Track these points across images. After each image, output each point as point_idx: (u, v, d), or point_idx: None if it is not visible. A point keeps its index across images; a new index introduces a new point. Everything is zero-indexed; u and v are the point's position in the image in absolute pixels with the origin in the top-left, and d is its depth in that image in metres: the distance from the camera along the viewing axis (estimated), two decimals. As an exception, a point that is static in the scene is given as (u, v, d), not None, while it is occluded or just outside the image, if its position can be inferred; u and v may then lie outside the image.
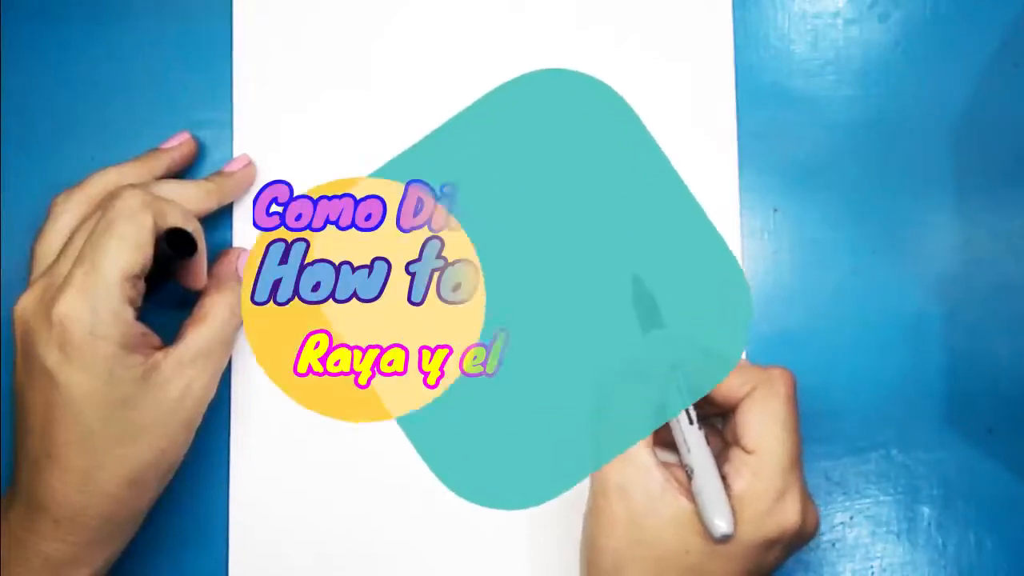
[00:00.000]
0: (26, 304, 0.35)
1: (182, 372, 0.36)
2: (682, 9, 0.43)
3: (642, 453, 0.34)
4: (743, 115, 0.43)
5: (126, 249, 0.35)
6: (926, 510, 0.42)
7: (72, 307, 0.34)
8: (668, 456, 0.36)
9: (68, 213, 0.38)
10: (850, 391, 0.42)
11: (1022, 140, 0.43)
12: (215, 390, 0.38)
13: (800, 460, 0.34)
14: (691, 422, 0.35)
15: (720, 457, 0.35)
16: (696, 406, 0.36)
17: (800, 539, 0.34)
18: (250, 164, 0.42)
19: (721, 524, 0.33)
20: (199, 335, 0.37)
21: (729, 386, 0.35)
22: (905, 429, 0.42)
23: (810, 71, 0.43)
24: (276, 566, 0.41)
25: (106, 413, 0.34)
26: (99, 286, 0.34)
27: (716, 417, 0.37)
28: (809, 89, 0.43)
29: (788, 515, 0.33)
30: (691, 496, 0.34)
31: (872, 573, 0.42)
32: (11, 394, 0.36)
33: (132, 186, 0.37)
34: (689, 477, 0.34)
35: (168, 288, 0.39)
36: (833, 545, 0.42)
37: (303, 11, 0.44)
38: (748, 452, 0.34)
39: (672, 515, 0.34)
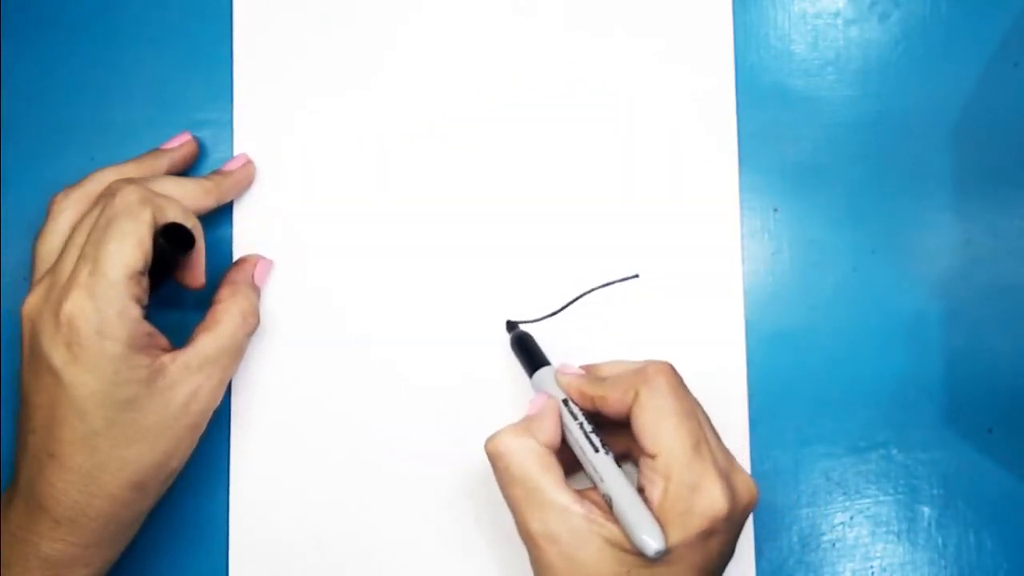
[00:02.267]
0: (33, 304, 0.35)
1: (189, 377, 0.36)
2: (682, 9, 0.43)
3: (555, 493, 0.34)
4: (743, 115, 0.43)
5: (128, 246, 0.35)
6: (926, 510, 0.42)
7: (79, 306, 0.34)
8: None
9: (67, 212, 0.38)
10: (850, 391, 0.42)
11: (1022, 140, 0.43)
12: (221, 397, 0.38)
13: (705, 442, 0.34)
14: (596, 450, 0.35)
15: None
16: (602, 429, 0.35)
17: (739, 514, 0.34)
18: (249, 163, 0.42)
19: (651, 542, 0.32)
20: (209, 341, 0.37)
21: (614, 400, 0.35)
22: (905, 429, 0.42)
23: (810, 71, 0.43)
24: (276, 566, 0.41)
25: (110, 414, 0.34)
26: (104, 285, 0.34)
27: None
28: (809, 89, 0.43)
29: (711, 502, 0.33)
30: (616, 519, 0.33)
31: (872, 573, 0.42)
32: (14, 394, 0.36)
33: (130, 181, 0.37)
34: (610, 504, 0.34)
35: (179, 290, 0.39)
36: (833, 545, 0.42)
37: (303, 11, 0.44)
38: (652, 457, 0.33)
39: (602, 544, 0.33)
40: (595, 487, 0.35)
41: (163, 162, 0.41)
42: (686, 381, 0.35)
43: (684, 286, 0.42)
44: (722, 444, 0.35)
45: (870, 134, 0.43)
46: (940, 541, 0.42)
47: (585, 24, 0.43)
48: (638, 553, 0.32)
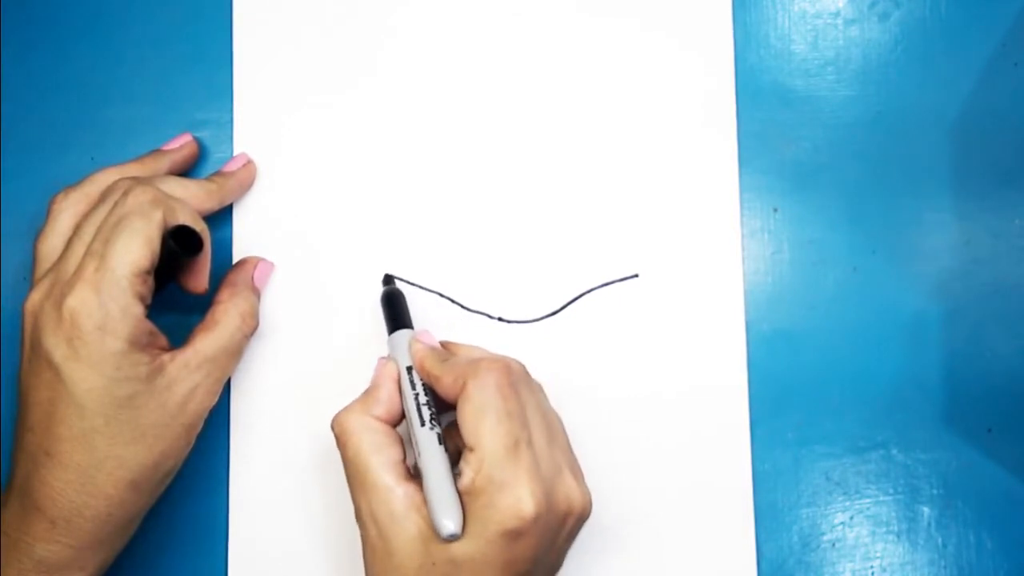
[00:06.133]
0: (35, 300, 0.35)
1: (188, 376, 0.36)
2: (682, 9, 0.43)
3: (382, 475, 0.34)
4: (743, 115, 0.43)
5: (136, 244, 0.35)
6: (926, 510, 0.42)
7: (82, 301, 0.34)
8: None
9: (67, 212, 0.38)
10: (850, 391, 0.42)
11: (1022, 140, 0.43)
12: (218, 397, 0.38)
13: (526, 445, 0.33)
14: (422, 424, 0.34)
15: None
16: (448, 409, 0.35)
17: (554, 520, 0.33)
18: (250, 163, 0.42)
19: (447, 523, 0.32)
20: (208, 341, 0.37)
21: (446, 384, 0.35)
22: (905, 429, 0.42)
23: (810, 71, 0.43)
24: (276, 566, 0.41)
25: (109, 411, 0.34)
26: (110, 281, 0.34)
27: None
28: (809, 89, 0.43)
29: (515, 502, 0.32)
30: None
31: (872, 573, 0.42)
32: (15, 394, 0.36)
33: (141, 181, 0.37)
34: (421, 480, 0.33)
35: (180, 291, 0.39)
36: (833, 545, 0.42)
37: (303, 11, 0.44)
38: (470, 450, 0.33)
39: (417, 530, 0.33)
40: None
41: (164, 163, 0.41)
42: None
43: (684, 286, 0.42)
44: (562, 454, 0.35)
45: (870, 134, 0.43)
46: (940, 541, 0.42)
47: (585, 24, 0.43)
48: (445, 544, 0.32)
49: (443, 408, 0.36)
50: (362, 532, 0.35)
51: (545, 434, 0.35)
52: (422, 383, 0.36)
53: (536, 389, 0.36)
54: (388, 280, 0.41)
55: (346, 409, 0.36)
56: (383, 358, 0.38)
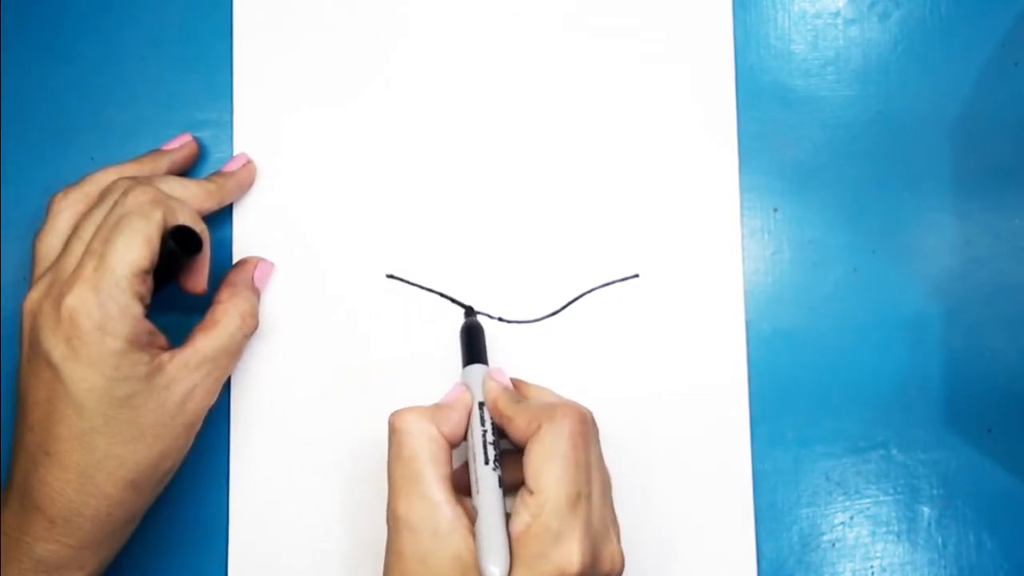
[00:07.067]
0: (33, 299, 0.35)
1: (187, 376, 0.36)
2: (682, 9, 0.43)
3: (434, 488, 0.34)
4: (743, 115, 0.43)
5: (136, 244, 0.35)
6: (926, 510, 0.42)
7: (82, 300, 0.34)
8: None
9: (67, 211, 0.38)
10: (850, 391, 0.42)
11: (1022, 140, 0.43)
12: (217, 396, 0.38)
13: (585, 499, 0.33)
14: (486, 462, 0.35)
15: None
16: (510, 452, 0.35)
17: None
18: (250, 163, 0.42)
19: (493, 569, 0.32)
20: (207, 341, 0.37)
21: (519, 426, 0.35)
22: (905, 429, 0.42)
23: (810, 71, 0.43)
24: (276, 566, 0.41)
25: (108, 411, 0.34)
26: (109, 280, 0.34)
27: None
28: (809, 89, 0.43)
29: (567, 555, 0.32)
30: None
31: (872, 573, 0.42)
32: (14, 394, 0.36)
33: (141, 181, 0.37)
34: (475, 518, 0.33)
35: (179, 291, 0.39)
36: (833, 545, 0.42)
37: (303, 11, 0.44)
38: (530, 493, 0.33)
39: (456, 554, 0.33)
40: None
41: (164, 163, 0.41)
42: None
43: (684, 286, 0.42)
44: (610, 512, 0.35)
45: (870, 134, 0.43)
46: (940, 541, 0.42)
47: (585, 24, 0.43)
48: None
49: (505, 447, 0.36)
50: (392, 534, 0.34)
51: (600, 489, 0.35)
52: (491, 421, 0.36)
53: (599, 441, 0.36)
54: (470, 312, 0.41)
55: (411, 410, 0.35)
56: (460, 384, 0.38)
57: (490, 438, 0.35)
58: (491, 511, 0.33)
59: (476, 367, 0.38)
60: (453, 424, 0.36)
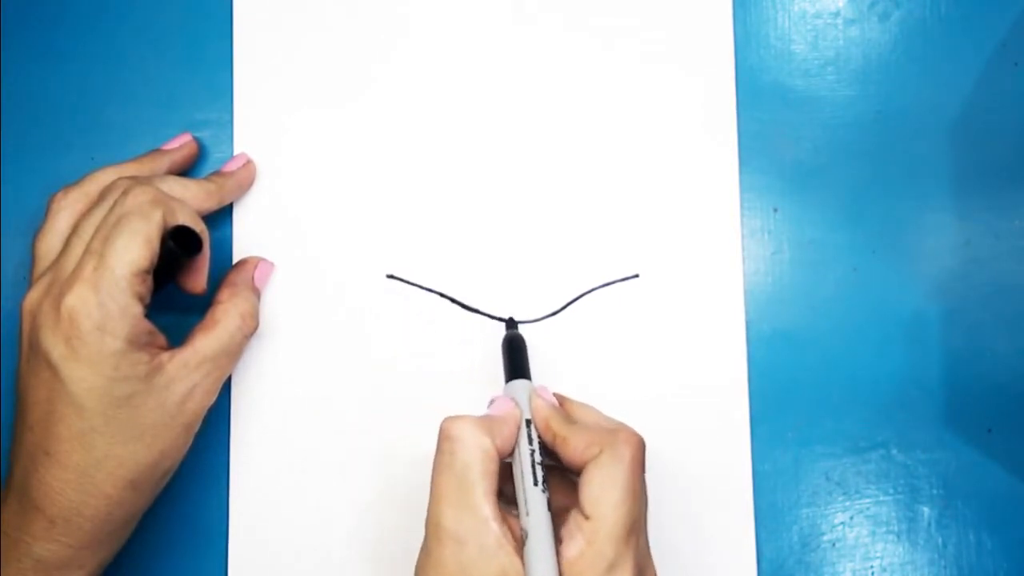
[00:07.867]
0: (33, 298, 0.35)
1: (186, 376, 0.36)
2: (682, 9, 0.43)
3: (483, 503, 0.33)
4: (743, 115, 0.43)
5: (136, 244, 0.35)
6: (926, 510, 0.42)
7: (81, 300, 0.34)
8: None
9: (66, 211, 0.38)
10: (850, 391, 0.42)
11: (1022, 140, 0.43)
12: (216, 396, 0.38)
13: (639, 532, 0.33)
14: (535, 483, 0.34)
15: (564, 517, 0.34)
16: (553, 463, 0.35)
17: None
18: (250, 163, 0.42)
19: None
20: (207, 341, 0.37)
21: (575, 447, 0.34)
22: (905, 429, 0.42)
23: (810, 71, 0.43)
24: (276, 566, 0.41)
25: (108, 411, 0.34)
26: (109, 280, 0.34)
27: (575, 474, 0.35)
28: (809, 89, 0.43)
29: None
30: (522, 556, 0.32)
31: (872, 573, 0.42)
32: (11, 391, 0.36)
33: (141, 181, 0.37)
34: (524, 539, 0.33)
35: (178, 291, 0.39)
36: (833, 545, 0.42)
37: (303, 12, 0.44)
38: (585, 517, 0.33)
39: (501, 571, 0.32)
40: (518, 517, 0.34)
41: (163, 163, 0.41)
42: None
43: (684, 286, 0.42)
44: (646, 538, 0.35)
45: (870, 134, 0.43)
46: (940, 541, 0.42)
47: (585, 25, 0.43)
48: None
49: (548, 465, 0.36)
50: (432, 543, 0.33)
51: (645, 519, 0.35)
52: (538, 440, 0.35)
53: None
54: (512, 324, 0.40)
55: (466, 419, 0.34)
56: (508, 397, 0.37)
57: (538, 458, 0.35)
58: (542, 534, 0.33)
59: (521, 383, 0.37)
60: (505, 438, 0.35)
